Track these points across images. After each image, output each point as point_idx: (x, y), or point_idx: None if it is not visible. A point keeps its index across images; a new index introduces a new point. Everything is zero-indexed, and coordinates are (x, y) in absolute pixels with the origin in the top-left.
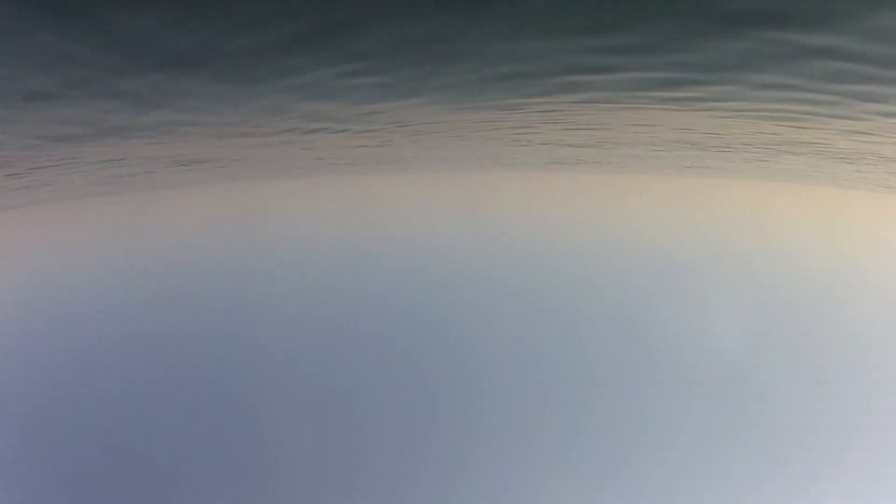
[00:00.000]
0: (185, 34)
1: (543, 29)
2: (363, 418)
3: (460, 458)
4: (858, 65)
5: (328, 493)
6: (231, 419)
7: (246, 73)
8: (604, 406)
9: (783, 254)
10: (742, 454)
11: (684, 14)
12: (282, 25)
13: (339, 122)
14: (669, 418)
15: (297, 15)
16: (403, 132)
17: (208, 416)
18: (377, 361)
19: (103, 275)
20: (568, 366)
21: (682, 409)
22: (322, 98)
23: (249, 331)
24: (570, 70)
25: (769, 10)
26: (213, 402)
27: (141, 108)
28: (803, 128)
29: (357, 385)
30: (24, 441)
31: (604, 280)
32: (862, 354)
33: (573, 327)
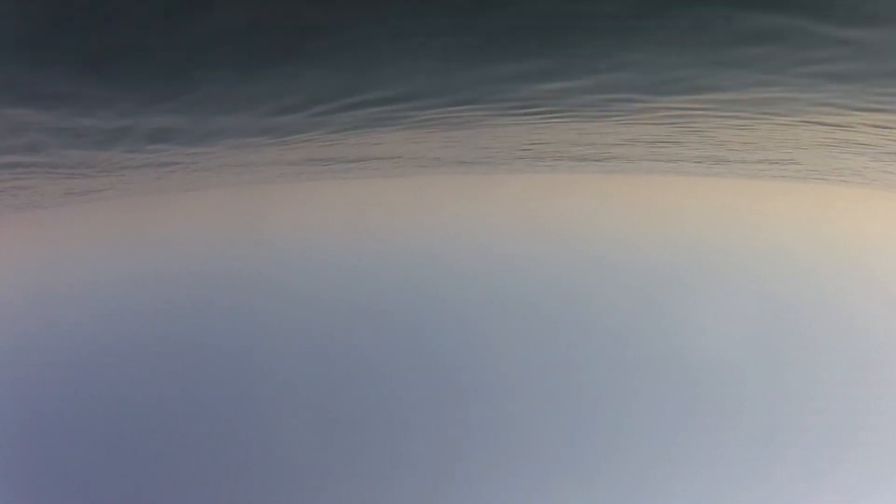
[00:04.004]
0: None
1: None
2: (363, 421)
3: (458, 458)
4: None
5: (329, 495)
6: (235, 421)
7: None
8: (600, 407)
9: (779, 252)
10: (740, 454)
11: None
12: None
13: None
14: (667, 418)
15: None
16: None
17: (210, 420)
18: (381, 358)
19: (104, 280)
20: (562, 367)
21: (681, 409)
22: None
23: (257, 337)
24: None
25: None
26: (216, 402)
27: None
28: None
29: (361, 386)
30: (25, 446)
31: (597, 279)
32: (860, 353)
33: (563, 328)
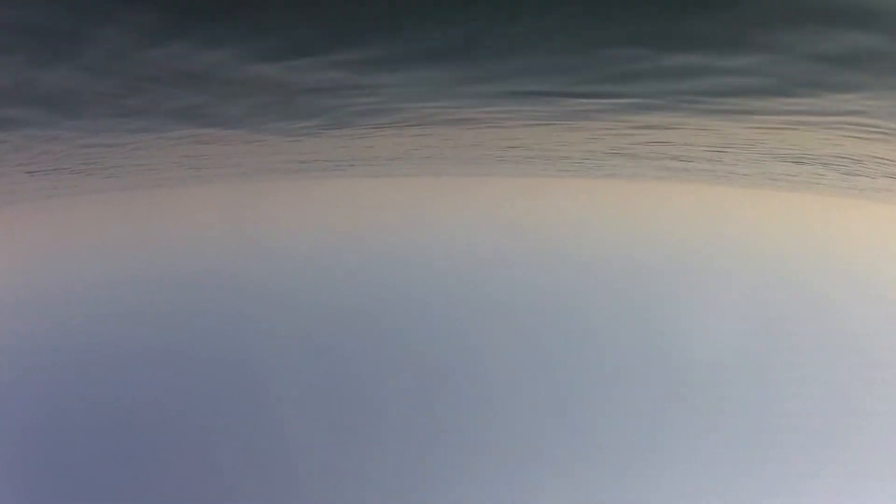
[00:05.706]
0: None
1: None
2: (351, 417)
3: (447, 455)
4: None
5: (322, 494)
6: (229, 420)
7: None
8: (602, 407)
9: (778, 259)
10: (737, 454)
11: None
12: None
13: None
14: (666, 419)
15: None
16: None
17: (204, 419)
18: (383, 362)
19: (97, 278)
20: (562, 368)
21: (680, 410)
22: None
23: (249, 335)
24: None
25: None
26: (209, 401)
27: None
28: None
29: (363, 387)
30: (25, 445)
31: (597, 283)
32: (856, 355)
33: (551, 330)
